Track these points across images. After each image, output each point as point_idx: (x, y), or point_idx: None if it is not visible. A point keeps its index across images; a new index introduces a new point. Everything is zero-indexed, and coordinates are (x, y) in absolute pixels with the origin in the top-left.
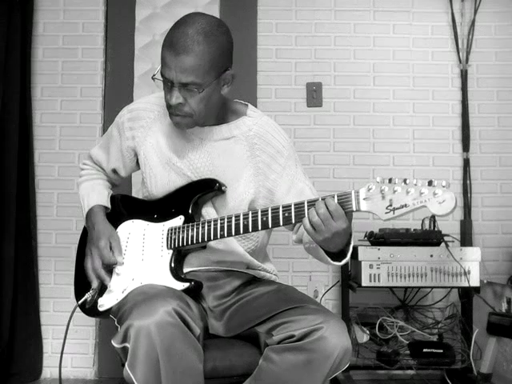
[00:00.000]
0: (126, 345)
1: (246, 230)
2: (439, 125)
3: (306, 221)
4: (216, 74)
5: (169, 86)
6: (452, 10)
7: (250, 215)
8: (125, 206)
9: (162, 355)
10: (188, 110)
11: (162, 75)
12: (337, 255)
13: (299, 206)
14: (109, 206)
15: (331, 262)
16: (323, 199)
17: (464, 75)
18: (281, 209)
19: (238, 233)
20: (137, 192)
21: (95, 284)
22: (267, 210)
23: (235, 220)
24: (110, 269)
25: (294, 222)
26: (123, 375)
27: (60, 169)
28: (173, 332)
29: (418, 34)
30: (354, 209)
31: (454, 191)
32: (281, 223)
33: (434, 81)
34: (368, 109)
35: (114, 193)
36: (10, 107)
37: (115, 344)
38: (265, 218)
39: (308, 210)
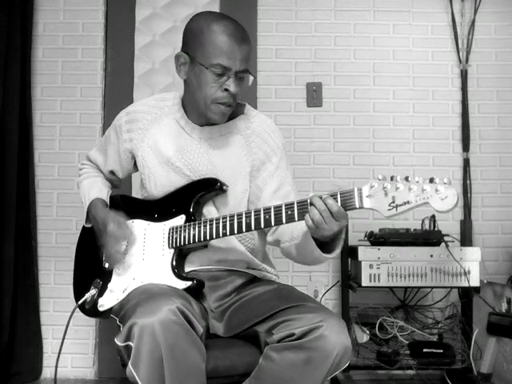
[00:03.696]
0: (130, 343)
1: (248, 228)
2: (439, 125)
3: (307, 218)
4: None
5: (222, 75)
6: (452, 9)
7: (253, 213)
8: (124, 206)
9: (166, 354)
10: (237, 99)
11: (218, 65)
12: (324, 245)
13: (302, 204)
14: (107, 202)
15: (323, 255)
16: (326, 197)
17: (464, 75)
18: (283, 207)
19: (240, 231)
20: (136, 193)
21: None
22: (270, 209)
23: (237, 218)
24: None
25: (297, 219)
26: (126, 374)
27: (60, 169)
28: (177, 330)
29: (417, 33)
30: (357, 206)
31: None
32: (284, 221)
33: (434, 81)
34: (368, 109)
35: (114, 194)
36: (10, 107)
37: (118, 342)
38: (267, 216)
39: (310, 207)
